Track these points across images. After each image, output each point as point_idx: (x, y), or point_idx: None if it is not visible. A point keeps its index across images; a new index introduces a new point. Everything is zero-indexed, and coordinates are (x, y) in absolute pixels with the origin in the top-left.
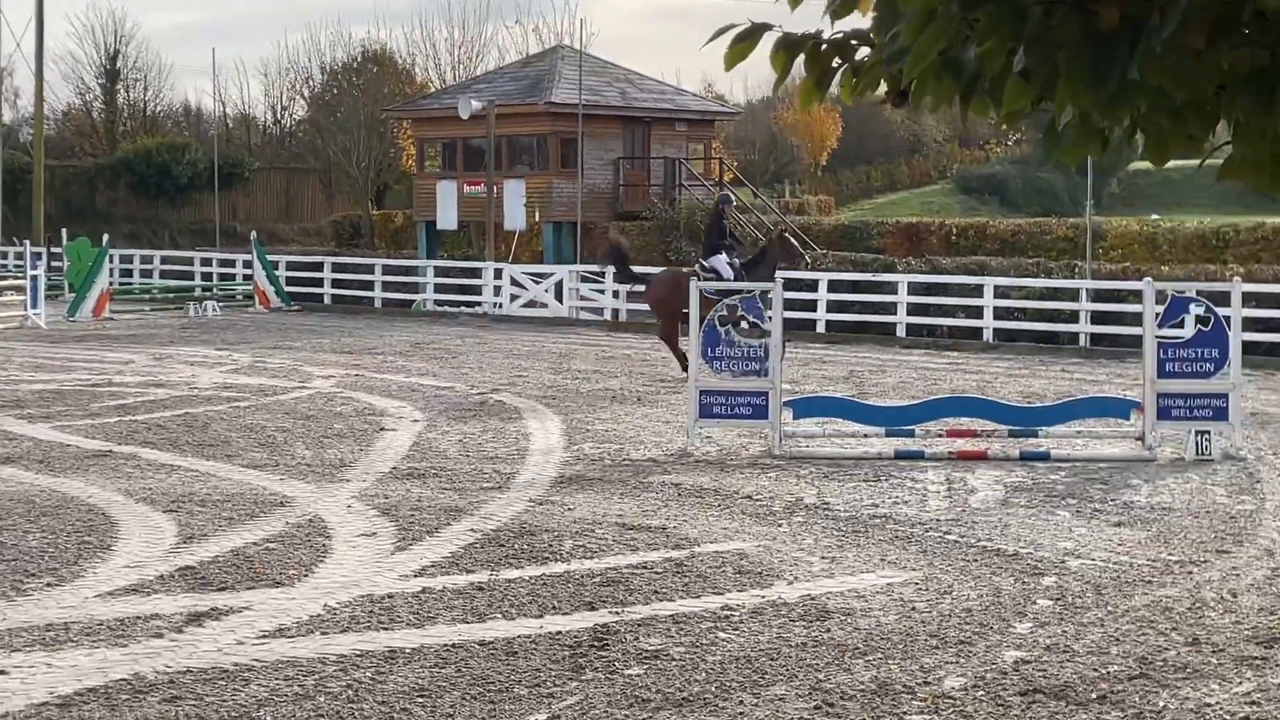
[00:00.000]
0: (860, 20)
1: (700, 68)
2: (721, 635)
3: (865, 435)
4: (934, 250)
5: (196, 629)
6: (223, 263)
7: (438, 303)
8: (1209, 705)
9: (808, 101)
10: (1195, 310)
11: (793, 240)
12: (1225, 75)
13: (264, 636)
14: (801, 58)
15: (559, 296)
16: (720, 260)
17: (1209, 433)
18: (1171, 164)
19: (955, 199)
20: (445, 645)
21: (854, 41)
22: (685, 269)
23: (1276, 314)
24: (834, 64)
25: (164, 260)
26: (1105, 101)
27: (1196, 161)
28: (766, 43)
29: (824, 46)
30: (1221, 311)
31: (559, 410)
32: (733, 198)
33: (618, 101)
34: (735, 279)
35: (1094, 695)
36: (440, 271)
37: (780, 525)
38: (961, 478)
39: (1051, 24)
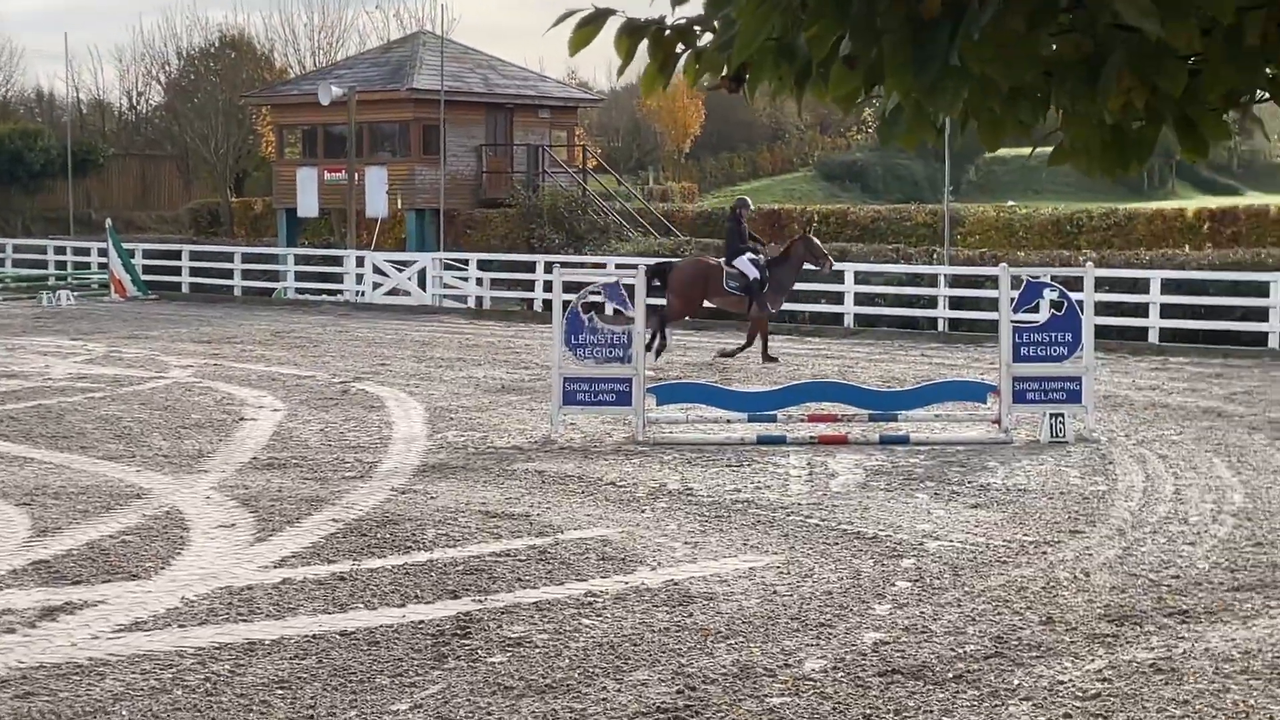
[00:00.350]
0: (702, 7)
1: (564, 55)
2: (585, 622)
3: (728, 421)
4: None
5: (50, 624)
6: (77, 251)
7: (299, 291)
8: (1062, 683)
9: (651, 88)
10: (1049, 295)
11: (816, 240)
12: (1051, 62)
13: (120, 630)
14: (645, 44)
15: (422, 284)
16: (744, 261)
17: (1063, 415)
18: (1027, 151)
19: (817, 186)
20: (306, 636)
21: (697, 27)
22: (714, 259)
23: (1128, 298)
24: (677, 50)
25: (16, 249)
26: (927, 88)
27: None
28: (612, 28)
29: (667, 32)
30: (1075, 296)
31: (422, 398)
32: (749, 201)
33: (480, 88)
34: (761, 278)
35: (950, 674)
36: (301, 259)
37: (644, 511)
38: (823, 462)
39: (875, 10)
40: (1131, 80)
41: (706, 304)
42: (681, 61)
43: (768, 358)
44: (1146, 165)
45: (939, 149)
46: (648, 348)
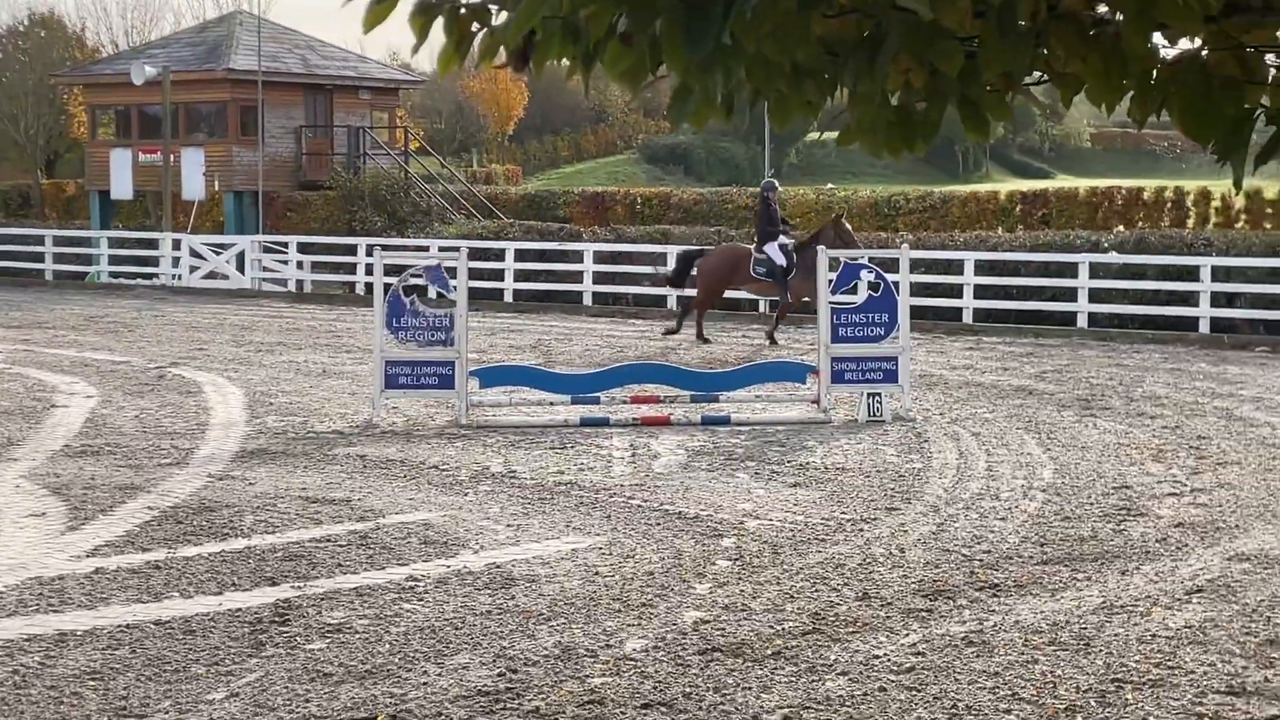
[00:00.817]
0: None
1: (386, 36)
2: (406, 606)
3: (551, 403)
4: (619, 219)
5: None
6: None
7: (113, 275)
8: (877, 657)
9: (447, 67)
10: (866, 276)
11: (847, 225)
12: (833, 42)
13: None
14: (440, 21)
15: (241, 267)
16: (774, 247)
17: (880, 395)
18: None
19: (641, 168)
20: (119, 626)
21: (492, 6)
22: (741, 246)
23: (943, 280)
24: (473, 29)
25: None
26: (702, 66)
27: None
28: (408, 5)
29: (462, 10)
30: (891, 277)
31: (241, 383)
32: (777, 184)
33: (299, 69)
34: (788, 264)
35: (769, 651)
36: (115, 243)
37: (466, 495)
38: (645, 443)
39: None
40: (909, 61)
41: (737, 291)
42: (478, 40)
43: (772, 339)
44: (931, 144)
45: (738, 130)
46: (675, 331)
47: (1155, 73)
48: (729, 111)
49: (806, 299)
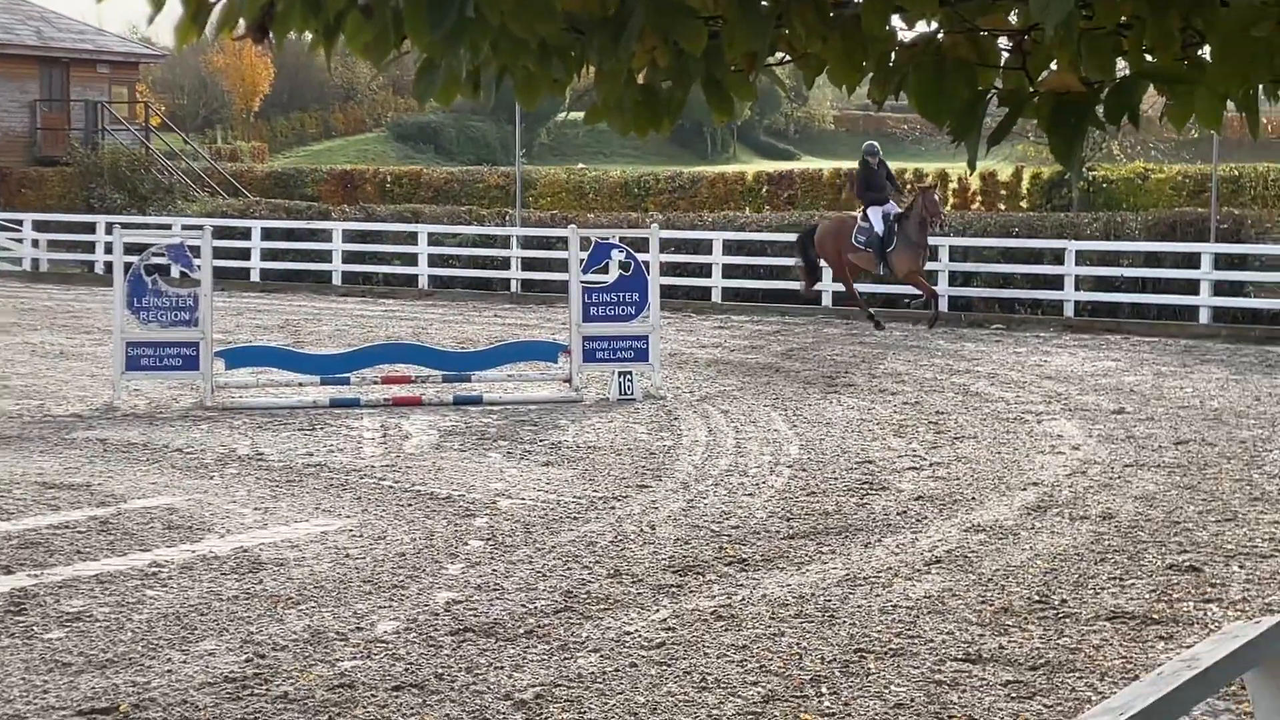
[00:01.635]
0: None
1: (124, 10)
2: (149, 593)
3: (300, 384)
4: (369, 198)
5: None
6: None
7: None
8: (628, 633)
9: (185, 38)
10: (617, 256)
11: (935, 197)
12: (578, 19)
13: None
14: None
15: None
16: (876, 213)
17: (631, 373)
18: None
19: (390, 146)
20: None
21: None
22: (849, 214)
23: (692, 259)
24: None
25: None
26: (445, 41)
27: None
28: None
29: None
30: (641, 257)
31: None
32: (877, 146)
33: (33, 40)
34: (885, 233)
35: (522, 630)
36: None
37: (212, 478)
38: (397, 424)
39: None
40: (654, 39)
41: (840, 263)
42: (216, 11)
43: (932, 323)
44: (676, 123)
45: (486, 107)
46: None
47: (893, 55)
48: (475, 88)
49: (909, 271)
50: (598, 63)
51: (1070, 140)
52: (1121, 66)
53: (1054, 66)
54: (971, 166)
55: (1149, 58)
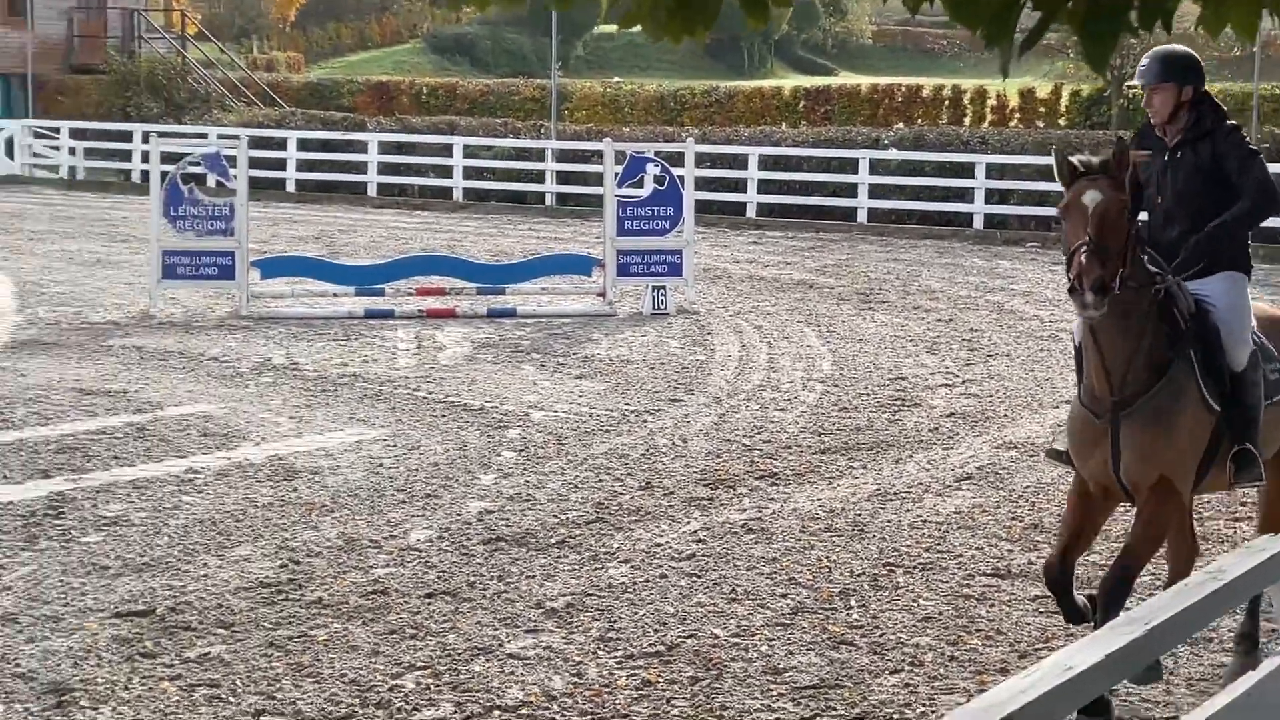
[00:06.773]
0: None
1: None
2: (185, 499)
3: (335, 295)
4: (404, 110)
5: None
6: None
7: None
8: (659, 545)
9: None
10: (652, 170)
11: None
12: None
13: None
14: None
15: (10, 153)
16: None
17: (665, 288)
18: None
19: (426, 58)
20: None
21: None
22: None
23: (727, 174)
24: None
25: None
26: None
27: None
28: None
29: None
30: (676, 171)
31: (10, 272)
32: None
33: None
34: None
35: (553, 540)
36: None
37: (248, 386)
38: (430, 335)
39: None
40: None
41: None
42: None
43: None
44: (711, 28)
45: (522, 13)
46: None
47: None
48: None
49: None
50: None
51: (1103, 46)
52: None
53: None
54: (1004, 73)
55: None
